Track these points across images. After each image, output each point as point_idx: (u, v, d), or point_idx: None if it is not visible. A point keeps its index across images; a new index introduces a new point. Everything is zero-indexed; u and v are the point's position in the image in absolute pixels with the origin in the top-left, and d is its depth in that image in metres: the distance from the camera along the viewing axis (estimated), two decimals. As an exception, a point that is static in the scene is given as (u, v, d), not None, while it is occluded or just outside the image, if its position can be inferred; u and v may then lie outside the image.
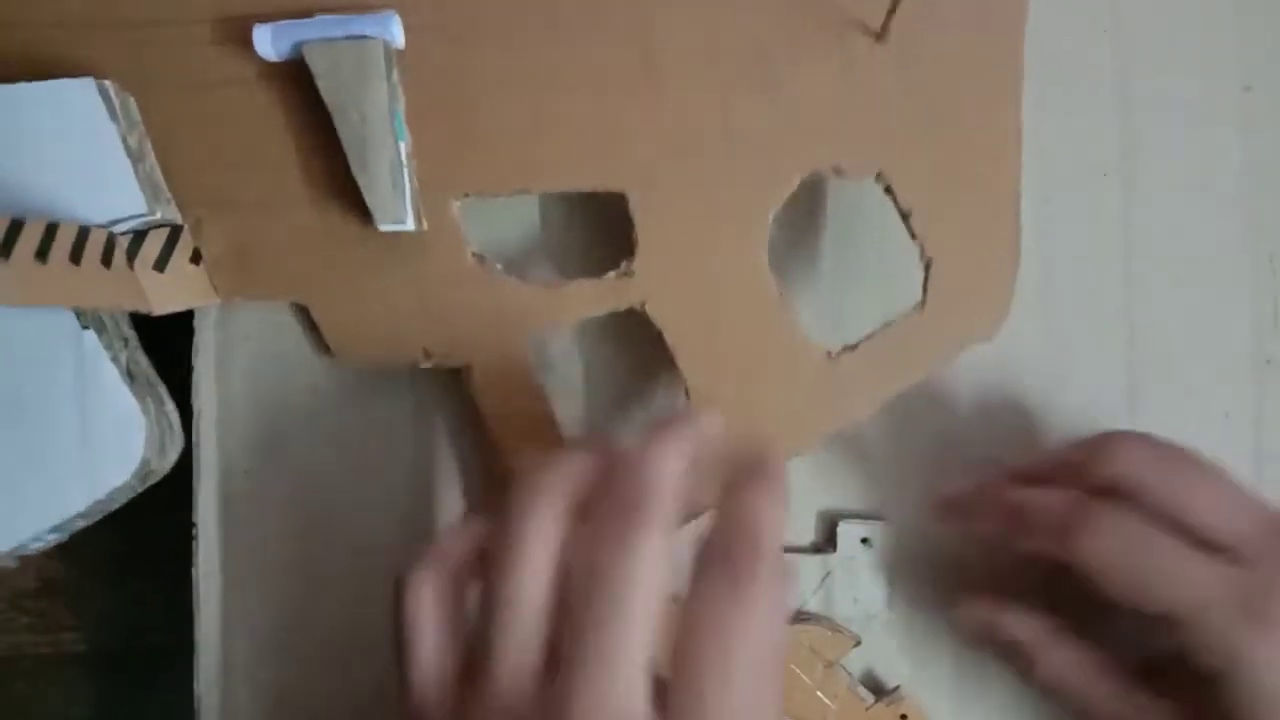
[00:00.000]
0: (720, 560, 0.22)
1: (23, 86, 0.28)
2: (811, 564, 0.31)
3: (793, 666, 0.31)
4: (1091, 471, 0.27)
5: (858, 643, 0.31)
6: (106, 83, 0.28)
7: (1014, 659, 0.29)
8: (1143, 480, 0.27)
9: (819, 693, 0.31)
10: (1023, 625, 0.29)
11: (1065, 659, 0.28)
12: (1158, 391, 0.33)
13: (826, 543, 0.32)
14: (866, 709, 0.31)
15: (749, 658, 0.21)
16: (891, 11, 0.26)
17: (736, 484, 0.23)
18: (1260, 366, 0.33)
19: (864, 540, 0.31)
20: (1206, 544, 0.26)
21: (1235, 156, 0.33)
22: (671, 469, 0.23)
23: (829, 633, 0.31)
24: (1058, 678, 0.28)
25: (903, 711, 0.31)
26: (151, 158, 0.29)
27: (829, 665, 0.31)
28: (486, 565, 0.23)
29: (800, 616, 0.32)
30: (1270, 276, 0.33)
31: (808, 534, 0.32)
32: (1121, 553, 0.26)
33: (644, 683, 0.21)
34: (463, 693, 0.23)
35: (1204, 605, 0.25)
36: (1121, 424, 0.33)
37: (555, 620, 0.22)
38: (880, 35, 0.28)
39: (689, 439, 0.24)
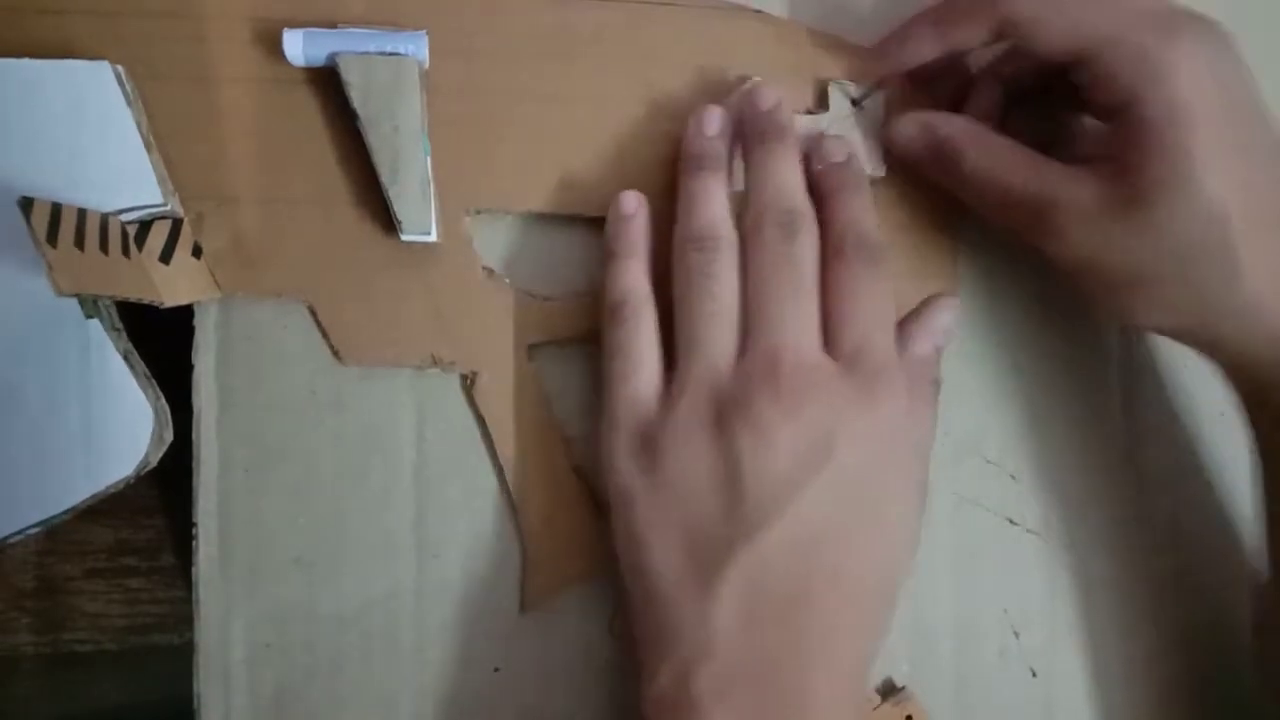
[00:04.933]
0: (852, 259, 0.29)
1: (37, 63, 0.28)
2: (806, 125, 0.32)
3: None
4: None
5: None
6: (120, 68, 0.28)
7: (945, 160, 0.30)
8: None
9: None
10: (952, 120, 0.30)
11: (990, 147, 0.29)
12: (1154, 391, 0.33)
13: (818, 105, 0.32)
14: (874, 709, 0.31)
15: (885, 317, 0.29)
16: (875, 87, 0.31)
17: (832, 188, 0.30)
18: (1258, 365, 0.33)
19: (854, 102, 0.32)
20: None
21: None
22: (800, 179, 0.30)
23: None
24: (985, 168, 0.29)
25: (909, 712, 0.31)
26: (156, 148, 0.29)
27: None
28: (688, 283, 0.29)
29: None
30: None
31: (802, 100, 0.32)
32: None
33: (818, 336, 0.28)
34: (670, 389, 0.29)
35: (1122, 28, 0.27)
36: (1118, 424, 0.33)
37: (742, 310, 0.29)
38: (857, 102, 0.32)
39: (793, 135, 0.30)
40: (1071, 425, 0.33)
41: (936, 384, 0.31)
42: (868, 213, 0.30)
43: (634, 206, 0.30)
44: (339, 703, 0.31)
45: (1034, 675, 0.33)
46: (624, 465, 0.29)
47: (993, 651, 0.33)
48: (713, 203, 0.30)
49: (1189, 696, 0.33)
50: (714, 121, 0.30)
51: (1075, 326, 0.33)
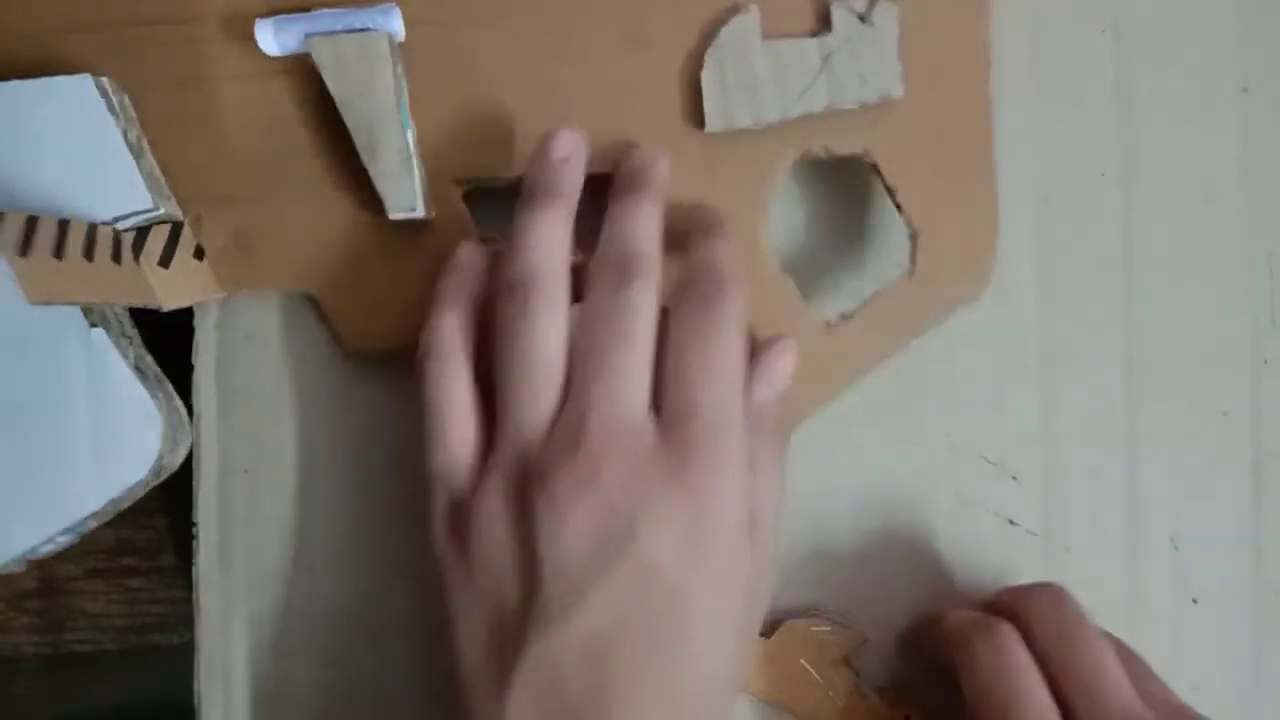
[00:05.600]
0: (694, 295, 0.26)
1: (19, 84, 0.28)
2: (809, 50, 0.29)
3: (802, 662, 0.31)
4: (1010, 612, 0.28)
5: (865, 640, 0.32)
6: (104, 79, 0.28)
7: None
8: (1042, 643, 0.27)
9: (829, 691, 0.31)
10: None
11: None
12: (1156, 391, 0.33)
13: (820, 25, 0.30)
14: (872, 706, 0.31)
15: (724, 367, 0.25)
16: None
17: (694, 234, 0.27)
18: (1259, 366, 0.33)
19: (861, 18, 0.29)
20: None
21: (1233, 157, 0.33)
22: (654, 231, 0.27)
23: (839, 628, 0.31)
24: None
25: (907, 712, 0.31)
26: (150, 154, 0.29)
27: (837, 662, 0.31)
28: (500, 333, 0.26)
29: (809, 612, 0.32)
30: (1268, 276, 0.33)
31: (801, 23, 0.30)
32: (991, 678, 0.26)
33: (645, 396, 0.25)
34: (487, 454, 0.26)
35: None
36: (1120, 424, 0.33)
37: (563, 367, 0.26)
38: (864, 18, 0.29)
39: (660, 193, 0.27)
40: (1073, 425, 0.33)
41: (783, 437, 0.28)
42: (721, 252, 0.27)
43: (467, 252, 0.28)
44: (339, 703, 0.31)
45: (1034, 676, 0.33)
46: (439, 542, 0.26)
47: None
48: (541, 241, 0.26)
49: (1189, 697, 0.33)
50: (563, 145, 0.27)
51: (1075, 325, 0.33)
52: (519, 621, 0.24)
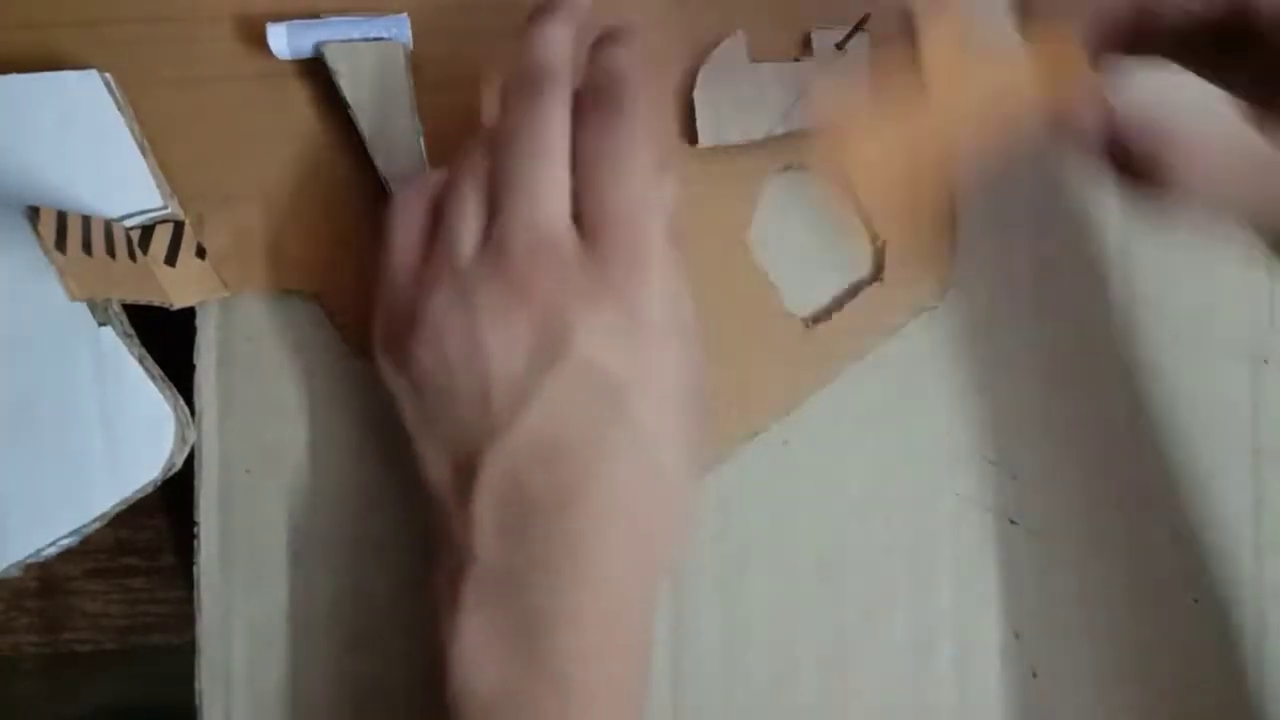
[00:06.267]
0: (599, 103, 0.26)
1: (25, 78, 0.28)
2: (792, 73, 0.32)
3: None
4: None
5: None
6: (108, 75, 0.28)
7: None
8: None
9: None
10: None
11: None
12: (1155, 391, 0.33)
13: (803, 51, 0.32)
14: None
15: (634, 172, 0.26)
16: (854, 31, 0.31)
17: (597, 43, 0.27)
18: (1258, 366, 0.33)
19: (838, 46, 0.31)
20: None
21: (1233, 157, 0.33)
22: (562, 45, 0.27)
23: None
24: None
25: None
26: (151, 152, 0.29)
27: None
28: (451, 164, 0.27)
29: None
30: (1267, 276, 0.33)
31: (787, 48, 0.32)
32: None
33: (564, 205, 0.26)
34: (425, 266, 0.27)
35: None
36: (1120, 424, 0.33)
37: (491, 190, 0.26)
38: (840, 46, 0.32)
39: (572, 15, 0.28)
40: (1072, 425, 0.33)
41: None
42: (624, 58, 0.27)
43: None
44: (339, 702, 0.31)
45: (1035, 675, 0.33)
46: (383, 364, 0.27)
47: (993, 652, 0.33)
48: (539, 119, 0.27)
49: (1189, 697, 0.33)
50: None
51: (1076, 325, 0.33)
52: (474, 434, 0.25)
